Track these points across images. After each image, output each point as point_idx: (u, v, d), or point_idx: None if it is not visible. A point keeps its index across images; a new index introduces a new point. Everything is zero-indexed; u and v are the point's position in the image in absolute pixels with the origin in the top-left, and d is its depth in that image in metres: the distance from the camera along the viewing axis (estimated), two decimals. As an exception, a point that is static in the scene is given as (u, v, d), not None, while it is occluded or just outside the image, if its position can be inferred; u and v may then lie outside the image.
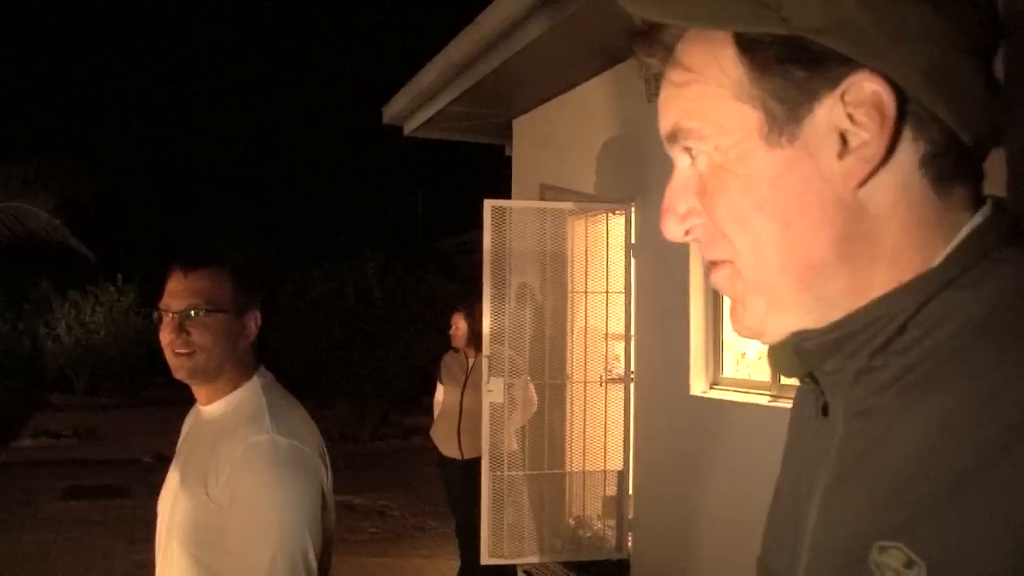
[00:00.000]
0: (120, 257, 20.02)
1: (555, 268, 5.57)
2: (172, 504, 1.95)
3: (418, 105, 6.77)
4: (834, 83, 0.63)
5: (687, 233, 0.71)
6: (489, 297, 5.38)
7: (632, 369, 5.34)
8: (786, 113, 0.64)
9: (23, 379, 20.09)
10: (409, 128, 7.30)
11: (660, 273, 5.03)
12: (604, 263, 5.55)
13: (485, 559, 5.32)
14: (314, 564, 1.75)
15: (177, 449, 2.05)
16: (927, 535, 0.59)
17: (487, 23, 5.04)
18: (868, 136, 0.63)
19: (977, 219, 0.65)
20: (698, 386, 4.75)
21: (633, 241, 5.31)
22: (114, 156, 27.84)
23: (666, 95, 0.71)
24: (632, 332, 5.35)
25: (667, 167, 0.70)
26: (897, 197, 0.65)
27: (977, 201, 0.67)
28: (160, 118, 34.38)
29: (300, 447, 1.81)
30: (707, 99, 0.68)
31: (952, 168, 0.65)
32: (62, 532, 7.77)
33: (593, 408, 5.56)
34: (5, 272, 19.41)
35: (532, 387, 5.46)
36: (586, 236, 5.70)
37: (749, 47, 0.65)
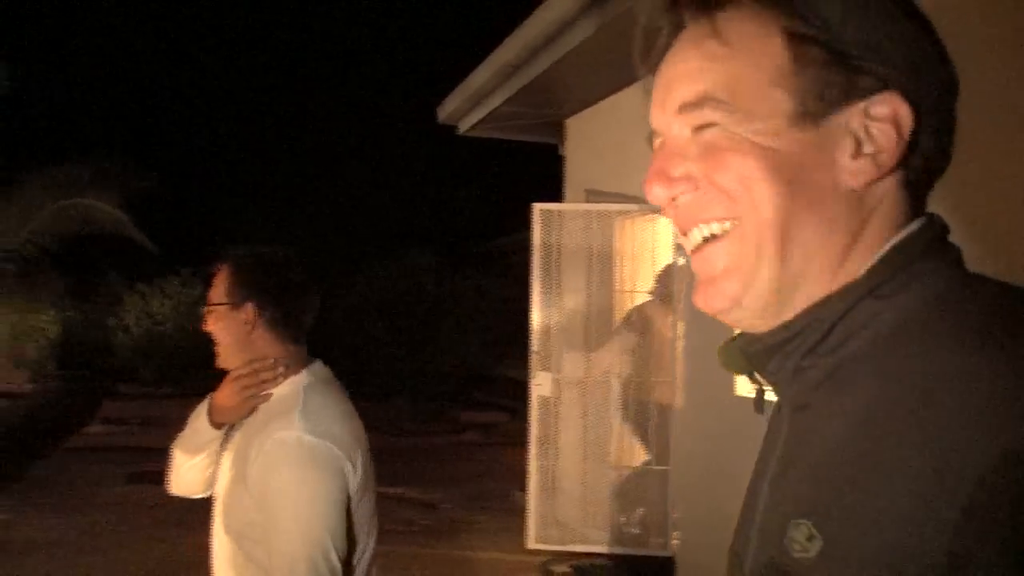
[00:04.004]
0: (187, 251, 20.51)
1: (603, 268, 5.66)
2: (221, 489, 2.03)
3: (472, 105, 6.86)
4: (863, 95, 0.70)
5: (674, 198, 0.76)
6: (538, 296, 5.55)
7: (677, 368, 5.38)
8: (817, 107, 0.70)
9: (93, 368, 20.71)
10: (463, 127, 7.40)
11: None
12: (651, 264, 5.59)
13: (531, 544, 5.51)
14: (336, 561, 1.78)
15: (232, 434, 2.09)
16: (828, 514, 0.66)
17: (536, 24, 5.10)
18: (882, 147, 0.70)
19: (903, 233, 0.72)
20: (743, 386, 4.76)
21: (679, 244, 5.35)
22: (179, 153, 28.57)
23: (693, 62, 0.75)
24: (678, 332, 5.39)
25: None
26: (881, 202, 0.72)
27: (916, 216, 0.74)
28: (222, 117, 35.11)
29: (327, 446, 1.83)
30: (744, 78, 0.72)
31: (917, 189, 0.73)
32: (125, 515, 8.05)
33: (638, 406, 5.61)
34: (77, 266, 20.03)
35: None
36: (634, 237, 5.74)
37: (798, 40, 0.71)
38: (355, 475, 1.88)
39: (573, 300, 5.68)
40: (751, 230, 0.72)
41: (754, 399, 0.82)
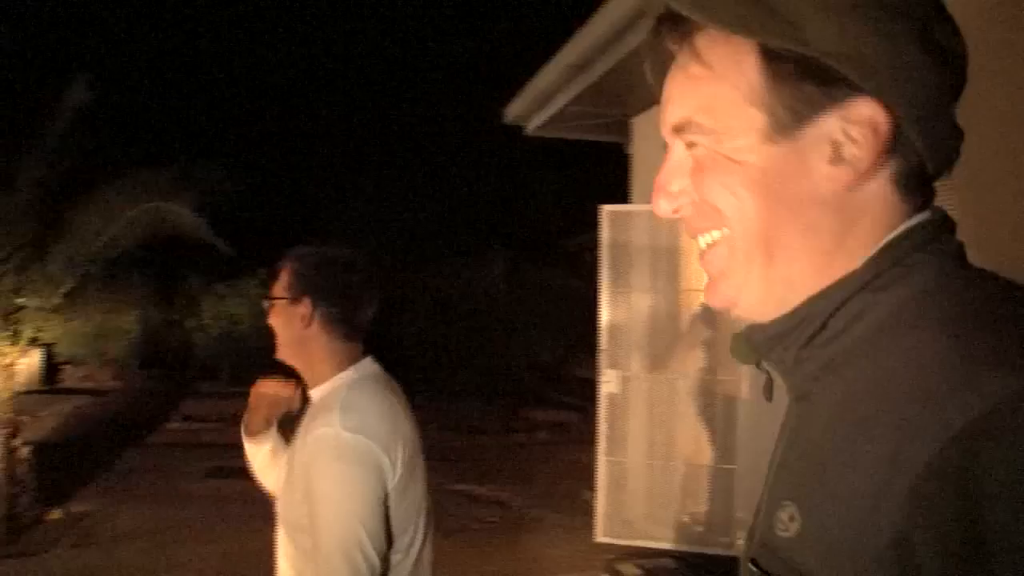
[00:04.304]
0: (263, 252, 20.95)
1: (670, 267, 5.70)
2: (280, 483, 2.10)
3: (538, 106, 6.91)
4: (839, 101, 0.71)
5: (675, 211, 0.81)
6: (607, 295, 5.69)
7: (743, 366, 5.36)
8: (791, 120, 0.73)
9: (174, 368, 21.40)
10: (530, 128, 7.45)
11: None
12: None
13: (599, 537, 5.65)
14: (372, 554, 1.83)
15: (297, 429, 2.14)
16: (808, 496, 0.70)
17: (599, 24, 5.13)
18: (860, 151, 0.71)
19: (900, 228, 0.74)
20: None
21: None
22: (256, 157, 29.33)
23: (679, 85, 0.78)
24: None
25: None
26: (869, 203, 0.74)
27: (921, 211, 0.75)
28: (295, 122, 35.96)
29: (364, 441, 1.87)
30: (721, 98, 0.75)
31: (914, 186, 0.74)
32: (203, 508, 8.35)
33: (705, 404, 5.61)
34: (157, 268, 20.66)
35: None
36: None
37: (772, 58, 0.72)
38: (394, 471, 1.91)
39: (641, 299, 5.73)
40: (739, 240, 0.76)
41: (763, 387, 0.84)
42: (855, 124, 0.72)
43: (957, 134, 0.75)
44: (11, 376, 8.10)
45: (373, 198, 24.51)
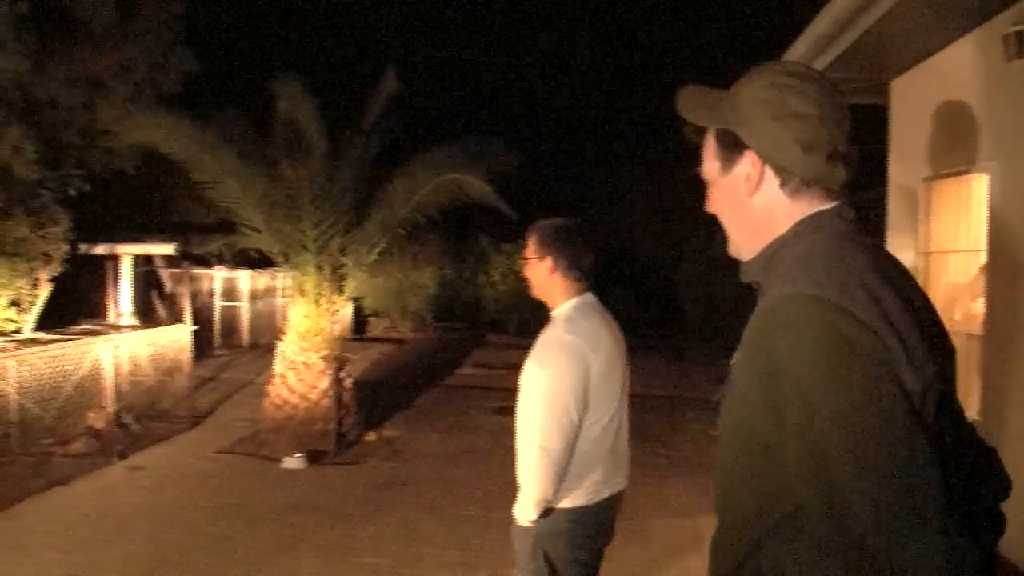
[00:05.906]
0: (546, 216, 22.05)
1: (911, 229, 5.85)
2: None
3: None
4: (744, 153, 1.40)
5: (717, 214, 1.50)
6: None
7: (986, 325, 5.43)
8: (729, 164, 1.43)
9: (467, 320, 23.22)
10: (787, 97, 7.69)
11: (1018, 232, 5.10)
12: (965, 223, 5.70)
13: None
14: (575, 415, 2.72)
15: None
16: (737, 358, 1.36)
17: (845, -2, 5.40)
18: (755, 176, 1.39)
19: (808, 214, 1.37)
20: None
21: (993, 201, 5.39)
22: (536, 134, 31.35)
23: (704, 153, 1.50)
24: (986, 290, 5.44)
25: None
26: (773, 201, 1.40)
27: (829, 203, 1.39)
28: (573, 99, 37.86)
29: (577, 340, 2.79)
30: (708, 157, 1.48)
31: (796, 188, 1.38)
32: (491, 437, 9.52)
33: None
34: (455, 231, 22.44)
35: None
36: (943, 197, 5.88)
37: (720, 133, 1.44)
38: (595, 362, 2.80)
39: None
40: (728, 227, 1.48)
41: (758, 296, 1.44)
42: (750, 164, 1.40)
43: (813, 161, 1.36)
44: (336, 322, 9.62)
45: (645, 166, 25.08)
